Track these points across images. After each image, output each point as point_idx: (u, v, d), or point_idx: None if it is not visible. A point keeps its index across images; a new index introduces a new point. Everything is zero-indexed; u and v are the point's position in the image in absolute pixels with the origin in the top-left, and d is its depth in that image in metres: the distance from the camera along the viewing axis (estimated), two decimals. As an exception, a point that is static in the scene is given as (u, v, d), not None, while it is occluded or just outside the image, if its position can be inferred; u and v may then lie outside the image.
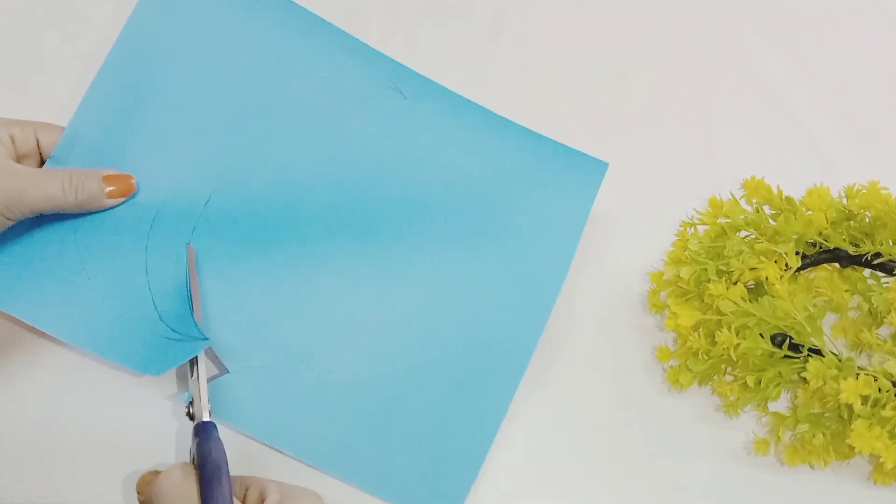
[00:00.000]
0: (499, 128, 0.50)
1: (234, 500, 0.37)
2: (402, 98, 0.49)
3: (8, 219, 0.41)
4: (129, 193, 0.45)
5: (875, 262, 0.47)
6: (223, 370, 0.45)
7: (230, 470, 0.38)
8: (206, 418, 0.40)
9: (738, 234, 0.48)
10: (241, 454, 0.44)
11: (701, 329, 0.46)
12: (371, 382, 0.45)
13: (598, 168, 0.50)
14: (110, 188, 0.44)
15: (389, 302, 0.47)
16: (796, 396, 0.46)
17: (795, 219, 0.47)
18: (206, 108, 0.48)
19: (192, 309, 0.44)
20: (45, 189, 0.42)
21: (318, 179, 0.48)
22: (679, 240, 0.49)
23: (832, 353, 0.42)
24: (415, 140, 0.49)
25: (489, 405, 0.45)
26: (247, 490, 0.39)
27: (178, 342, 0.43)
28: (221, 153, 0.47)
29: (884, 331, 0.48)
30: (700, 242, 0.47)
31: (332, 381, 0.45)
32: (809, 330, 0.43)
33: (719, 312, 0.45)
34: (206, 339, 0.43)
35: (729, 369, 0.47)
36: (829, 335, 0.46)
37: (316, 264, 0.47)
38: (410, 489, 0.44)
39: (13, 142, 0.43)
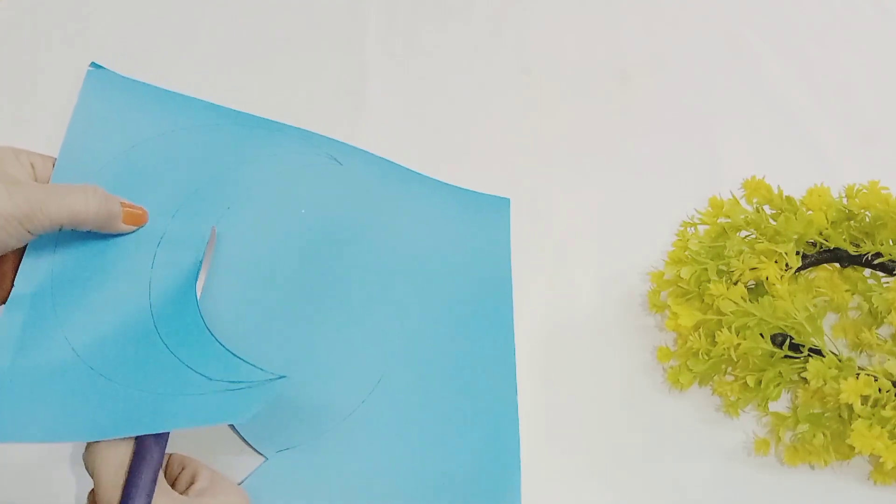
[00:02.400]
0: (418, 183, 0.55)
1: (164, 477, 0.38)
2: (339, 164, 0.53)
3: (29, 231, 0.39)
4: (141, 223, 0.45)
5: (875, 262, 0.47)
6: (245, 450, 0.44)
7: (174, 449, 0.39)
8: None
9: (738, 234, 0.48)
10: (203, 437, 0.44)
11: (701, 329, 0.46)
12: (387, 427, 0.46)
13: (503, 204, 0.56)
14: (126, 211, 0.44)
15: (372, 347, 0.48)
16: (796, 396, 0.46)
17: (796, 219, 0.47)
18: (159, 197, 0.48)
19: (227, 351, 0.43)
20: (65, 200, 0.41)
21: (277, 247, 0.49)
22: (679, 240, 0.49)
23: (832, 353, 0.42)
24: (354, 198, 0.52)
25: (499, 408, 0.47)
26: (182, 469, 0.40)
27: (246, 389, 0.42)
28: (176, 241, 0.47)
29: (884, 331, 0.48)
30: (700, 242, 0.47)
31: (357, 443, 0.45)
32: (810, 330, 0.43)
33: (720, 312, 0.45)
34: (283, 376, 0.42)
35: (729, 369, 0.47)
36: (830, 335, 0.46)
37: (289, 331, 0.47)
38: None
39: (33, 168, 0.43)
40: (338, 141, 0.54)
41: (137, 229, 0.45)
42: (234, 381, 0.41)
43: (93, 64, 0.52)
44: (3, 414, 0.38)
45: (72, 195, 0.41)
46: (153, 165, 0.48)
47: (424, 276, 0.51)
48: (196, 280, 0.44)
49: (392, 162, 0.55)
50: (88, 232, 0.43)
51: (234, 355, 0.42)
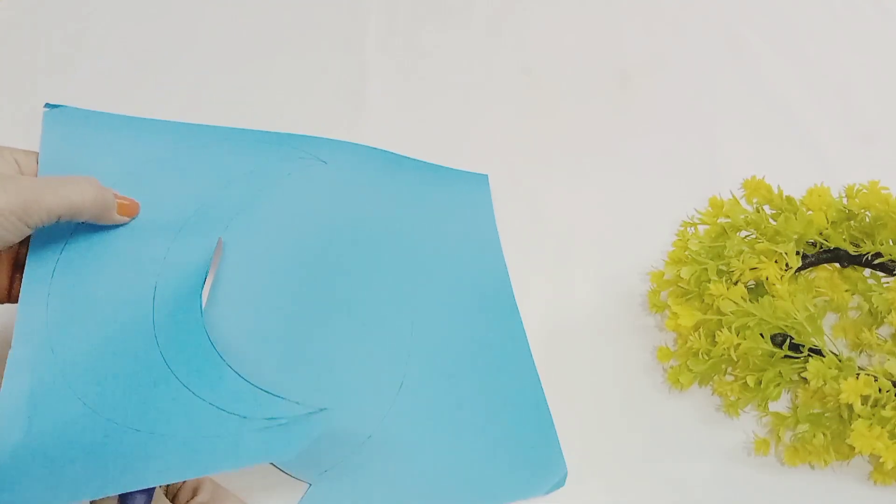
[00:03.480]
0: (402, 166, 0.55)
1: (164, 492, 0.38)
2: (324, 164, 0.52)
3: (27, 225, 0.39)
4: (133, 215, 0.45)
5: (875, 262, 0.47)
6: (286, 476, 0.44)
7: None
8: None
9: (738, 233, 0.48)
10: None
11: (701, 329, 0.46)
12: (422, 426, 0.45)
13: (482, 180, 0.57)
14: (119, 202, 0.44)
15: (388, 350, 0.47)
16: (796, 396, 0.46)
17: (796, 219, 0.47)
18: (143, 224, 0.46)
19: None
20: (62, 191, 0.40)
21: (280, 260, 0.48)
22: (679, 240, 0.49)
23: (832, 353, 0.42)
24: (345, 197, 0.52)
25: (521, 380, 0.48)
26: (183, 482, 0.40)
27: (286, 425, 0.41)
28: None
29: (884, 331, 0.48)
30: (700, 242, 0.47)
31: (396, 447, 0.45)
32: (810, 330, 0.43)
33: (720, 312, 0.45)
34: (323, 409, 0.42)
35: (729, 369, 0.47)
36: (830, 335, 0.46)
37: (307, 332, 0.46)
38: (518, 486, 0.44)
39: (18, 165, 0.43)
40: (319, 138, 0.54)
41: (130, 221, 0.45)
42: (272, 419, 0.41)
43: (47, 105, 0.48)
44: (30, 482, 0.37)
45: (68, 186, 0.41)
46: (140, 197, 0.46)
47: (424, 268, 0.51)
48: (201, 316, 0.43)
49: (373, 149, 0.55)
50: (80, 272, 0.42)
51: (269, 392, 0.41)
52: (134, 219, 0.45)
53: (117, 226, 0.45)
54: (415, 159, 0.56)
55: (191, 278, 0.44)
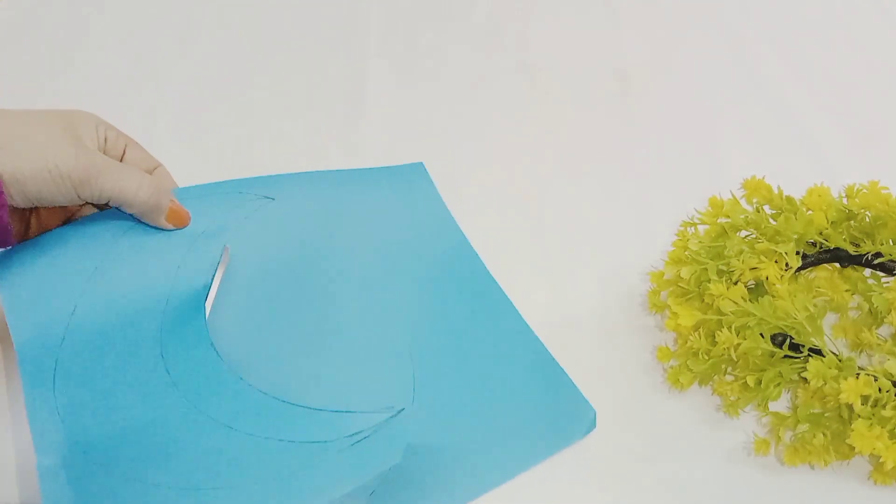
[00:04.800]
0: (341, 178, 0.56)
1: None
2: (271, 200, 0.52)
3: (78, 195, 0.42)
4: (182, 225, 0.47)
5: (875, 261, 0.47)
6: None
7: None
8: None
9: (738, 233, 0.48)
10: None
11: (701, 329, 0.46)
12: (448, 410, 0.46)
13: (419, 168, 0.57)
14: (172, 209, 0.46)
15: (393, 352, 0.47)
16: (796, 396, 0.46)
17: (796, 218, 0.47)
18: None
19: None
20: (119, 178, 0.43)
21: (268, 300, 0.48)
22: (679, 240, 0.49)
23: (832, 353, 0.42)
24: (300, 224, 0.52)
25: (522, 345, 0.49)
26: None
27: (371, 437, 0.41)
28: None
29: (884, 331, 0.48)
30: (700, 242, 0.47)
31: (430, 435, 0.45)
32: (810, 330, 0.43)
33: (720, 312, 0.45)
34: (401, 409, 0.42)
35: (729, 369, 0.47)
36: (830, 335, 0.46)
37: (317, 359, 0.46)
38: (553, 439, 0.45)
39: (105, 141, 0.45)
40: (259, 178, 0.53)
41: (176, 230, 0.47)
42: (355, 434, 0.40)
43: None
44: None
45: (128, 177, 0.43)
46: (113, 289, 0.44)
47: (396, 268, 0.51)
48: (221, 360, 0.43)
49: (309, 173, 0.55)
50: (84, 354, 0.42)
51: (340, 411, 0.42)
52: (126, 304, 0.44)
53: (116, 323, 0.44)
54: (349, 170, 0.56)
55: (190, 335, 0.44)
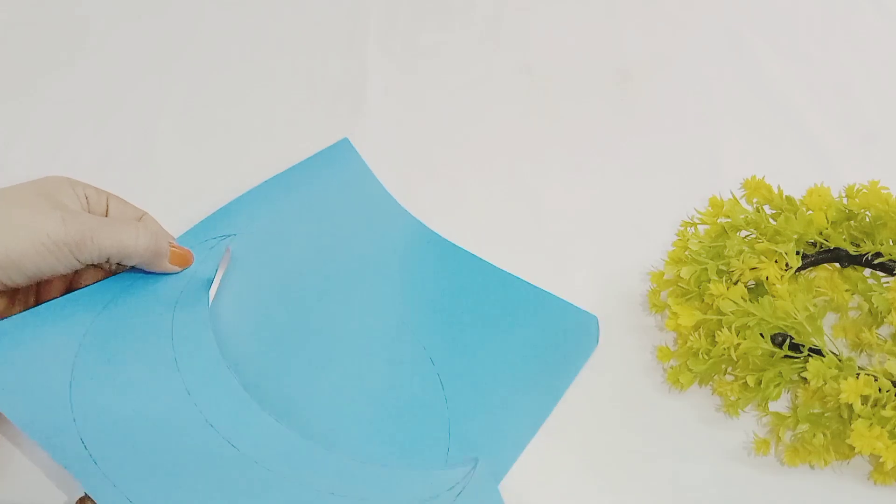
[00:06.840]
0: (278, 185, 0.54)
1: None
2: (234, 236, 0.50)
3: (78, 260, 0.40)
4: (187, 265, 0.46)
5: (875, 261, 0.47)
6: None
7: None
8: None
9: (738, 233, 0.48)
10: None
11: (701, 329, 0.46)
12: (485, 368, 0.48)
13: (345, 146, 0.57)
14: (173, 251, 0.45)
15: (411, 358, 0.49)
16: (796, 396, 0.46)
17: (796, 218, 0.47)
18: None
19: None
20: (116, 234, 0.41)
21: (270, 340, 0.48)
22: (679, 240, 0.49)
23: (832, 352, 0.42)
24: (262, 251, 0.51)
25: (505, 289, 0.51)
26: None
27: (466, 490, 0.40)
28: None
29: (884, 331, 0.48)
30: (700, 242, 0.47)
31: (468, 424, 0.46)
32: (810, 330, 0.43)
33: (720, 312, 0.45)
34: (475, 459, 0.42)
35: (729, 369, 0.47)
36: (830, 335, 0.46)
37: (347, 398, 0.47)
38: (572, 359, 0.49)
39: (87, 200, 0.43)
40: (217, 213, 0.51)
41: (182, 270, 0.46)
42: (452, 488, 0.41)
43: None
44: None
45: (123, 229, 0.42)
46: (114, 344, 0.42)
47: (363, 265, 0.52)
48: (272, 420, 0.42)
49: (248, 193, 0.52)
50: (103, 381, 0.40)
51: (423, 470, 0.42)
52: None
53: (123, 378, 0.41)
54: (280, 173, 0.54)
55: (224, 394, 0.42)
